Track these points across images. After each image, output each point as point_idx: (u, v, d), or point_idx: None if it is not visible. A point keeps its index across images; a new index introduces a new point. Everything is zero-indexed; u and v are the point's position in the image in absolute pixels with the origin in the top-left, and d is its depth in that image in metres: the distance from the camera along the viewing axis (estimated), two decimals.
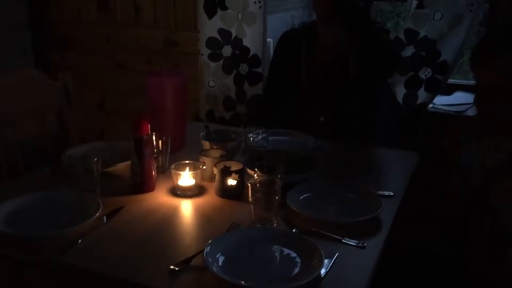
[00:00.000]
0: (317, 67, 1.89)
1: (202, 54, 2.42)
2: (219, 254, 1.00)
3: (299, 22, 2.01)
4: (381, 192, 1.30)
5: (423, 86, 2.09)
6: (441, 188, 2.08)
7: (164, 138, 1.44)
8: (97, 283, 1.02)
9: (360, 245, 1.07)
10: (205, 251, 0.98)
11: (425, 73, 2.08)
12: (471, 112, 2.04)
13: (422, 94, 2.10)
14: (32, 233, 1.08)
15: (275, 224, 1.16)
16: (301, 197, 1.27)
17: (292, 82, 1.94)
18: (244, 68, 2.38)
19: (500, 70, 1.19)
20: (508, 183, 1.34)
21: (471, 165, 1.44)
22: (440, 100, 2.15)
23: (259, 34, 2.29)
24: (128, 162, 1.34)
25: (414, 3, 2.01)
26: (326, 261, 0.99)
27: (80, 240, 1.06)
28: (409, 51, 2.07)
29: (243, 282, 0.90)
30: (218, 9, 2.31)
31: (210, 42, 2.37)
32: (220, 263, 0.98)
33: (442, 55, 2.03)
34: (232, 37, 2.34)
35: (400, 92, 2.12)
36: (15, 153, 1.62)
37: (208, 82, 2.45)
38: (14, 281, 1.09)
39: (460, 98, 2.19)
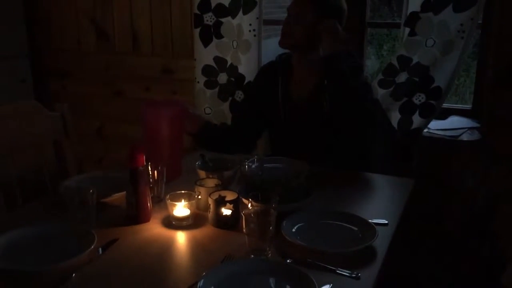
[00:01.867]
0: (293, 101, 1.87)
1: (198, 82, 2.45)
2: (212, 287, 1.00)
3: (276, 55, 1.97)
4: (375, 221, 1.30)
5: (418, 112, 2.11)
6: (439, 213, 2.09)
7: (159, 168, 1.45)
8: None
9: (354, 275, 1.07)
10: (198, 285, 0.98)
11: (419, 98, 2.10)
12: (466, 137, 2.05)
13: (416, 119, 2.11)
14: (25, 267, 1.08)
15: (269, 255, 1.16)
16: (295, 227, 1.27)
17: (269, 117, 1.92)
18: (239, 95, 2.41)
19: None
20: (509, 209, 1.34)
21: (476, 190, 1.45)
22: (435, 125, 2.17)
23: (254, 62, 2.32)
24: (124, 193, 1.35)
25: (407, 30, 2.04)
26: None
27: (74, 274, 1.06)
28: (402, 77, 2.10)
29: None
30: (214, 38, 2.36)
31: (206, 69, 2.41)
32: None
33: (435, 81, 2.05)
34: (228, 64, 2.38)
35: (395, 117, 2.14)
36: (13, 185, 1.63)
37: (204, 109, 2.47)
38: None
39: (456, 122, 2.20)
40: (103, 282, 1.06)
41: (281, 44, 1.83)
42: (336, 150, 1.80)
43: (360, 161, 1.80)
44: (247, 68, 2.34)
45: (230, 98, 2.43)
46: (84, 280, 1.05)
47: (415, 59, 2.05)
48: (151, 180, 1.42)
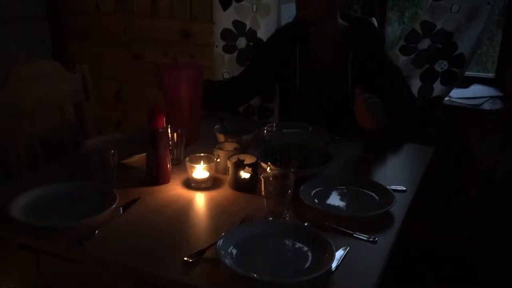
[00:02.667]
0: (311, 70, 1.82)
1: (216, 46, 2.42)
2: (231, 247, 1.02)
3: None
4: (394, 187, 1.30)
5: (439, 79, 2.07)
6: (457, 182, 2.08)
7: (179, 131, 1.46)
8: (114, 273, 1.05)
9: (371, 239, 1.08)
10: (218, 244, 1.00)
11: (441, 65, 2.06)
12: (487, 106, 2.02)
13: (438, 87, 2.08)
14: (50, 223, 1.11)
15: (288, 218, 1.17)
16: (313, 191, 1.28)
17: (282, 82, 1.88)
18: None
19: None
20: None
21: (495, 160, 1.43)
22: (457, 93, 2.14)
23: (273, 26, 2.28)
24: (144, 154, 1.37)
25: None
26: (337, 255, 1.00)
27: (97, 231, 1.09)
28: (425, 43, 2.05)
29: (255, 275, 0.92)
30: (233, 1, 2.31)
31: (225, 33, 2.38)
32: (232, 256, 1.00)
33: (459, 48, 2.01)
34: (247, 28, 2.34)
35: (416, 84, 2.11)
36: (34, 145, 1.66)
37: (223, 73, 2.46)
38: (33, 269, 1.13)
39: (477, 91, 2.16)
40: (125, 239, 1.08)
41: (299, 18, 1.74)
42: (352, 122, 1.75)
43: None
44: (266, 33, 2.31)
45: (249, 63, 2.41)
46: (107, 237, 1.08)
47: (438, 25, 2.00)
48: (170, 142, 1.44)
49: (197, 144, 1.56)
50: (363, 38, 1.73)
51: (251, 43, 2.36)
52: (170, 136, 1.43)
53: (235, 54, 2.41)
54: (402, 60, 2.10)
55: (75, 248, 1.04)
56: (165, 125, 1.33)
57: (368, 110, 1.51)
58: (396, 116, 1.64)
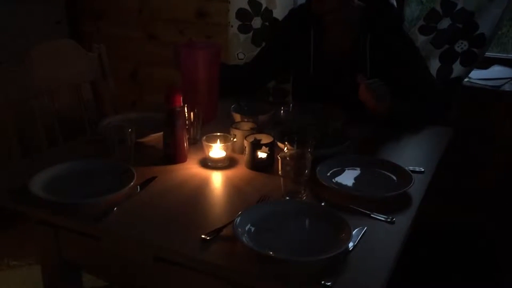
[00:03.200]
0: (325, 55, 1.77)
1: (232, 26, 2.40)
2: (249, 225, 1.02)
3: None
4: (412, 168, 1.29)
5: (459, 60, 2.03)
6: (476, 164, 2.06)
7: (196, 110, 1.46)
8: (132, 249, 1.06)
9: (389, 220, 1.08)
10: (235, 222, 1.00)
11: (461, 46, 2.02)
12: (508, 87, 1.98)
13: (457, 68, 2.04)
14: (70, 200, 1.12)
15: (304, 197, 1.17)
16: (330, 171, 1.27)
17: (295, 67, 1.85)
18: None
19: None
20: None
21: None
22: (476, 74, 2.10)
23: (290, 5, 2.25)
24: (161, 133, 1.37)
25: None
26: (354, 235, 1.00)
27: (115, 208, 1.10)
28: (445, 23, 2.01)
29: (272, 253, 0.93)
30: None
31: (240, 13, 2.35)
32: (249, 234, 1.00)
33: (479, 28, 1.96)
34: (262, 8, 2.32)
35: (434, 65, 2.07)
36: (53, 123, 1.67)
37: (237, 54, 2.44)
38: (53, 244, 1.15)
39: (498, 72, 2.12)
40: (143, 217, 1.09)
41: (313, 10, 1.68)
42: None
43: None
44: (282, 12, 2.28)
45: (263, 46, 2.38)
46: (125, 214, 1.09)
47: (459, 4, 1.96)
48: (187, 122, 1.44)
49: (213, 123, 1.56)
50: (380, 18, 1.70)
51: (266, 23, 2.33)
52: (186, 115, 1.42)
53: (250, 34, 2.39)
54: (421, 40, 2.06)
55: (94, 224, 1.05)
56: (182, 104, 1.33)
57: (372, 96, 1.49)
58: (422, 99, 1.61)
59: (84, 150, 1.43)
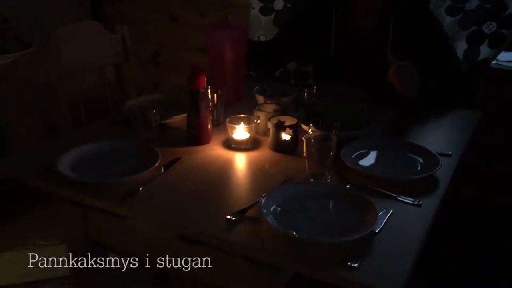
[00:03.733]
0: (348, 35, 1.74)
1: (253, 8, 2.38)
2: (274, 206, 1.02)
3: None
4: (439, 151, 1.26)
5: (487, 41, 1.98)
6: (504, 147, 2.01)
7: (219, 92, 1.45)
8: (157, 229, 1.07)
9: (415, 203, 1.06)
10: (260, 203, 1.00)
11: (489, 27, 1.96)
12: None
13: (484, 50, 1.99)
14: (96, 179, 1.13)
15: (329, 180, 1.16)
16: (355, 153, 1.26)
17: (316, 47, 1.82)
18: None
19: None
20: None
21: None
22: (505, 56, 2.05)
23: None
24: (185, 115, 1.37)
25: None
26: (380, 217, 0.99)
27: (141, 188, 1.10)
28: (473, 3, 1.96)
29: (298, 234, 0.92)
30: None
31: None
32: (274, 215, 1.00)
33: (509, 8, 1.91)
34: None
35: (461, 47, 2.02)
36: (78, 104, 1.69)
37: (259, 36, 2.42)
38: (80, 224, 1.16)
39: None
40: (168, 197, 1.10)
41: None
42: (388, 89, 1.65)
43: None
44: None
45: (283, 25, 2.36)
46: (151, 194, 1.10)
47: None
48: (210, 103, 1.43)
49: (236, 105, 1.55)
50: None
51: (288, 5, 2.30)
52: (210, 97, 1.42)
53: (272, 16, 2.36)
54: (447, 21, 2.01)
55: (120, 204, 1.06)
56: (206, 85, 1.33)
57: (402, 78, 1.46)
58: (448, 81, 1.58)
59: (109, 131, 1.44)
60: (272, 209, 1.01)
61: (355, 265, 0.87)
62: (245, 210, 1.02)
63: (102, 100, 1.76)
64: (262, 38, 2.40)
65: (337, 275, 0.86)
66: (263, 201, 1.01)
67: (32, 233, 2.16)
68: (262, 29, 2.40)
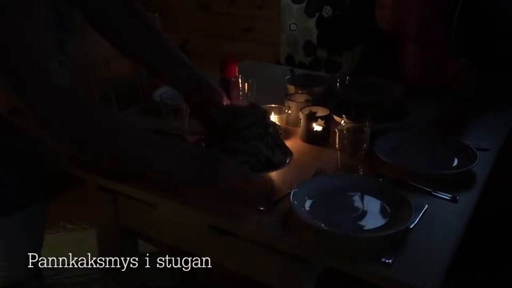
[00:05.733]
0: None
1: None
2: (306, 197, 1.01)
3: None
4: (476, 145, 1.22)
5: None
6: None
7: (250, 81, 1.44)
8: (187, 217, 1.07)
9: (452, 198, 1.03)
10: (292, 194, 0.99)
11: None
12: None
13: None
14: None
15: (361, 173, 1.14)
16: (389, 147, 1.23)
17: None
18: (327, 10, 2.29)
19: None
20: None
21: None
22: None
23: None
24: None
25: None
26: (414, 212, 0.96)
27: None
28: None
29: (331, 228, 0.91)
30: None
31: None
32: (306, 207, 0.99)
33: None
34: None
35: None
36: (108, 91, 1.70)
37: (290, 25, 2.39)
38: (112, 210, 1.17)
39: None
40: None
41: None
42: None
43: None
44: None
45: (318, 14, 2.32)
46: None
47: None
48: (241, 92, 1.42)
49: (268, 93, 1.53)
50: None
51: None
52: (241, 85, 1.41)
53: (304, 4, 2.33)
54: None
55: (151, 191, 1.06)
56: (237, 74, 1.32)
57: (464, 80, 1.43)
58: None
59: (139, 119, 1.44)
60: (303, 201, 1.00)
61: (389, 261, 0.85)
62: (276, 201, 1.01)
63: (133, 88, 1.76)
64: (293, 27, 2.38)
65: (371, 271, 0.84)
66: (294, 192, 1.00)
67: (61, 217, 2.20)
68: (293, 17, 2.37)
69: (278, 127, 1.16)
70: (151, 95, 1.54)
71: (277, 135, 1.13)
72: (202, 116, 1.21)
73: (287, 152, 1.14)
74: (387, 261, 0.85)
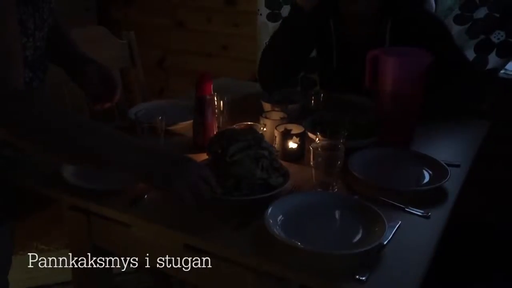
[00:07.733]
0: (349, 46, 1.68)
1: (261, 14, 2.38)
2: (280, 215, 1.01)
3: None
4: (447, 161, 1.25)
5: (495, 51, 1.97)
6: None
7: (225, 99, 1.44)
8: (162, 237, 1.06)
9: (424, 214, 1.05)
10: (266, 212, 0.99)
11: (497, 36, 1.95)
12: None
13: (493, 59, 1.98)
14: (101, 186, 1.12)
15: (336, 189, 1.15)
16: (363, 163, 1.24)
17: (319, 60, 1.78)
18: None
19: None
20: None
21: None
22: None
23: None
24: (191, 121, 1.36)
25: None
26: (388, 229, 0.97)
27: (146, 195, 1.09)
28: (481, 12, 1.95)
29: (304, 245, 0.91)
30: None
31: (270, 1, 2.33)
32: (280, 225, 0.99)
33: None
34: None
35: (469, 56, 2.01)
36: (83, 109, 1.68)
37: (266, 43, 2.41)
38: (85, 230, 1.15)
39: None
40: (173, 205, 1.08)
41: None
42: None
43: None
44: None
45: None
46: (155, 201, 1.09)
47: None
48: (216, 110, 1.42)
49: (242, 112, 1.53)
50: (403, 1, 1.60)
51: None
52: (216, 103, 1.41)
53: (280, 23, 2.36)
54: (456, 30, 2.01)
55: (124, 211, 1.05)
56: (212, 92, 1.32)
57: None
58: (455, 75, 1.53)
59: None
60: (278, 218, 1.00)
61: (363, 278, 0.85)
62: (251, 219, 1.01)
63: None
64: None
65: None
66: (269, 210, 1.00)
67: (34, 237, 2.14)
68: (270, 36, 2.39)
69: (274, 149, 1.17)
70: (126, 113, 1.53)
71: (273, 157, 1.14)
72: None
73: (284, 174, 1.15)
74: (361, 278, 0.85)
